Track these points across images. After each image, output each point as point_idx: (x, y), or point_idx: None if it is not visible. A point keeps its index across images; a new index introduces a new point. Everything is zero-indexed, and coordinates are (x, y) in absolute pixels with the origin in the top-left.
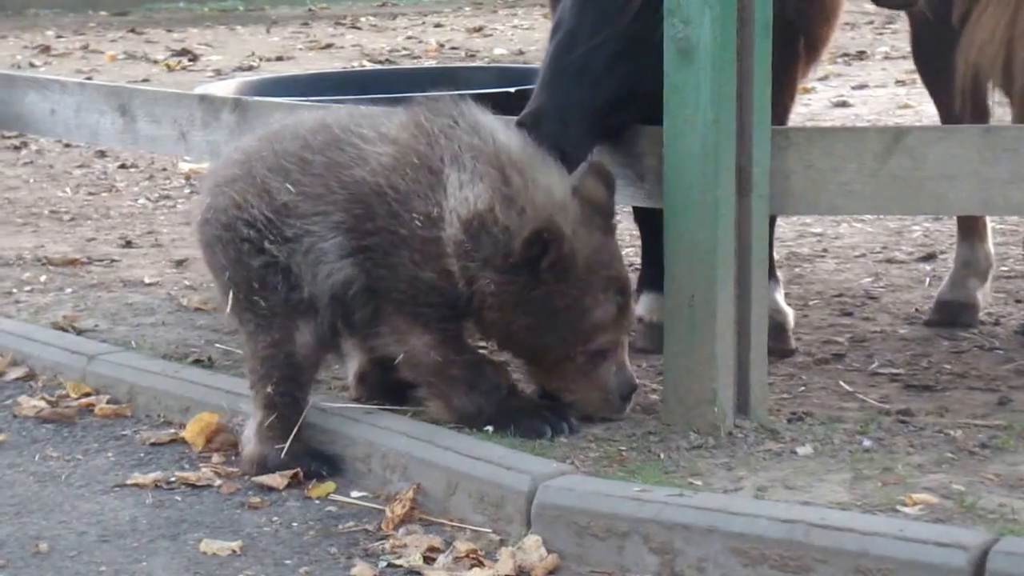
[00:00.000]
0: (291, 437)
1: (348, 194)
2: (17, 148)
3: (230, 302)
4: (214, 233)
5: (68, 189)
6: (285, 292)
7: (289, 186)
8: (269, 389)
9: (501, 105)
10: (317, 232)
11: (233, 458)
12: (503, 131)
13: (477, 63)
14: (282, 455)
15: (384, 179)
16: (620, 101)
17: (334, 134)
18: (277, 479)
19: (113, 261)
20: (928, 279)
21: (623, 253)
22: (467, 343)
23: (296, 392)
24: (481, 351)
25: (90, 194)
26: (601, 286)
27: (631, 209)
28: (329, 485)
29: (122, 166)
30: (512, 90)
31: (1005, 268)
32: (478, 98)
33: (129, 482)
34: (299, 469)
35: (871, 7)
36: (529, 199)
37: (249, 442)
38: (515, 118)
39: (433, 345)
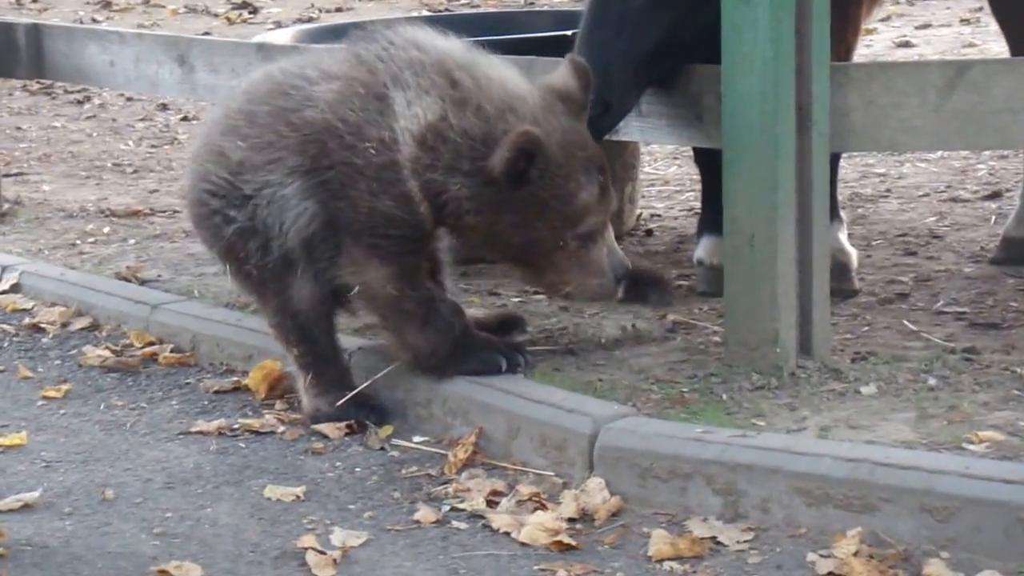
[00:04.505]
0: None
1: (300, 136)
2: (80, 102)
3: (230, 275)
4: (192, 212)
5: (131, 142)
6: (260, 257)
7: (240, 142)
8: (295, 351)
9: (560, 48)
10: (275, 180)
11: (296, 405)
12: (442, 40)
13: (537, 9)
14: (331, 407)
15: (332, 115)
16: (661, 50)
17: (277, 81)
18: (333, 429)
19: (175, 212)
20: (993, 217)
21: (684, 197)
22: (424, 280)
23: (317, 349)
24: (432, 288)
25: (152, 147)
26: (581, 168)
27: (692, 151)
28: (385, 429)
29: (184, 119)
30: (570, 33)
31: None
32: (537, 42)
33: (193, 429)
34: (352, 420)
35: None
36: (484, 96)
37: (303, 398)
38: None
39: (390, 278)
